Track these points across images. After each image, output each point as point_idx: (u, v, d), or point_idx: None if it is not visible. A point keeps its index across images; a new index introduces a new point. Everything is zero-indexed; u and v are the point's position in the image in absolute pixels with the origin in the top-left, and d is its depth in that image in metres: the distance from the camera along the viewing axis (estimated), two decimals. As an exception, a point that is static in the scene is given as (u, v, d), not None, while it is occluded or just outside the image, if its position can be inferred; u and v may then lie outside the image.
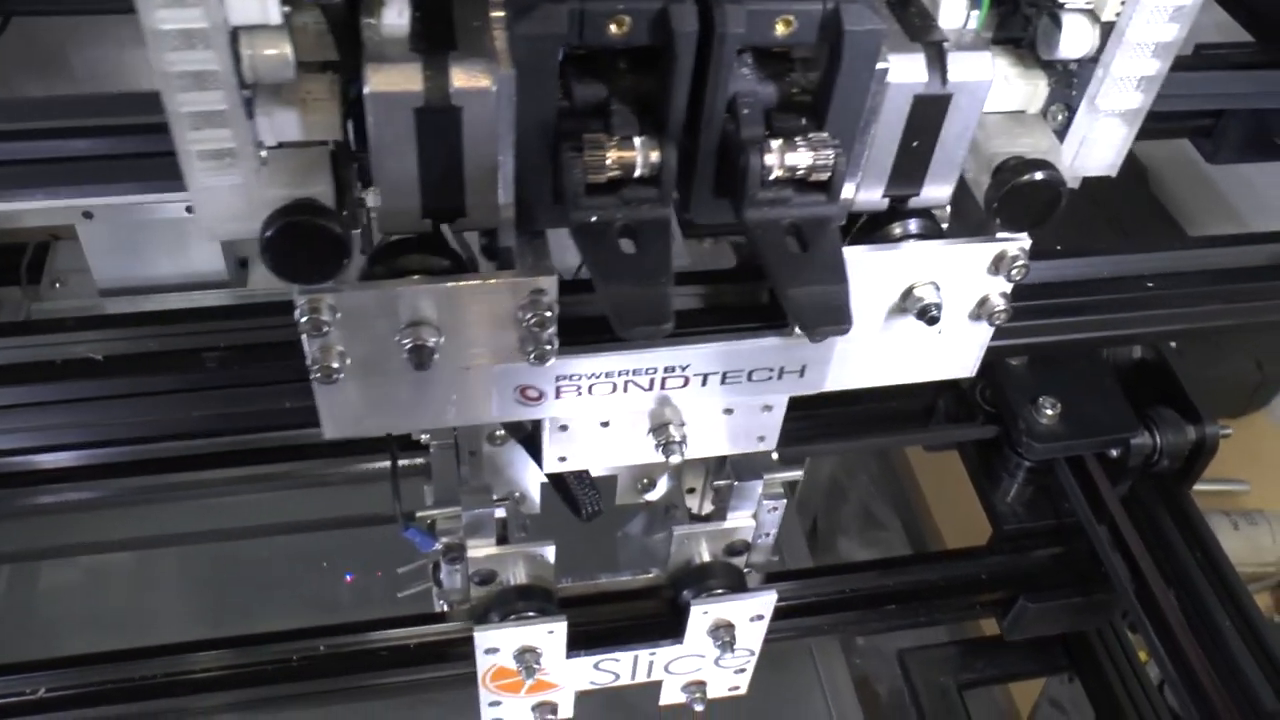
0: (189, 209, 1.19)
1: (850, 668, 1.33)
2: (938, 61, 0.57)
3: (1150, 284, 0.84)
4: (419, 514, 0.78)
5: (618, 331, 0.51)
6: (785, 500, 0.82)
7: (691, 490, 0.91)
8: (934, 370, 0.68)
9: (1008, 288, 0.64)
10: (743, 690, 0.92)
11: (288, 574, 1.43)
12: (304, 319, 0.56)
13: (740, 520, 0.83)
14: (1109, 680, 1.01)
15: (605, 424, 0.67)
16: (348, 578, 1.45)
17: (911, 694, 1.08)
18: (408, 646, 0.94)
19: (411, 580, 0.88)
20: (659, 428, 0.67)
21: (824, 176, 0.55)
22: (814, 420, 1.03)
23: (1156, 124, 0.98)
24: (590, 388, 0.63)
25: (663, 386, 0.64)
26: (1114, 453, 0.99)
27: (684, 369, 0.64)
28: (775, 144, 0.54)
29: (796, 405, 0.98)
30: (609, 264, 0.53)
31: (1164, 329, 0.87)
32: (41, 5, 1.40)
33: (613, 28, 0.52)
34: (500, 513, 0.78)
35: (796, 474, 0.82)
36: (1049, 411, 0.98)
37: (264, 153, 0.53)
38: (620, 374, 0.63)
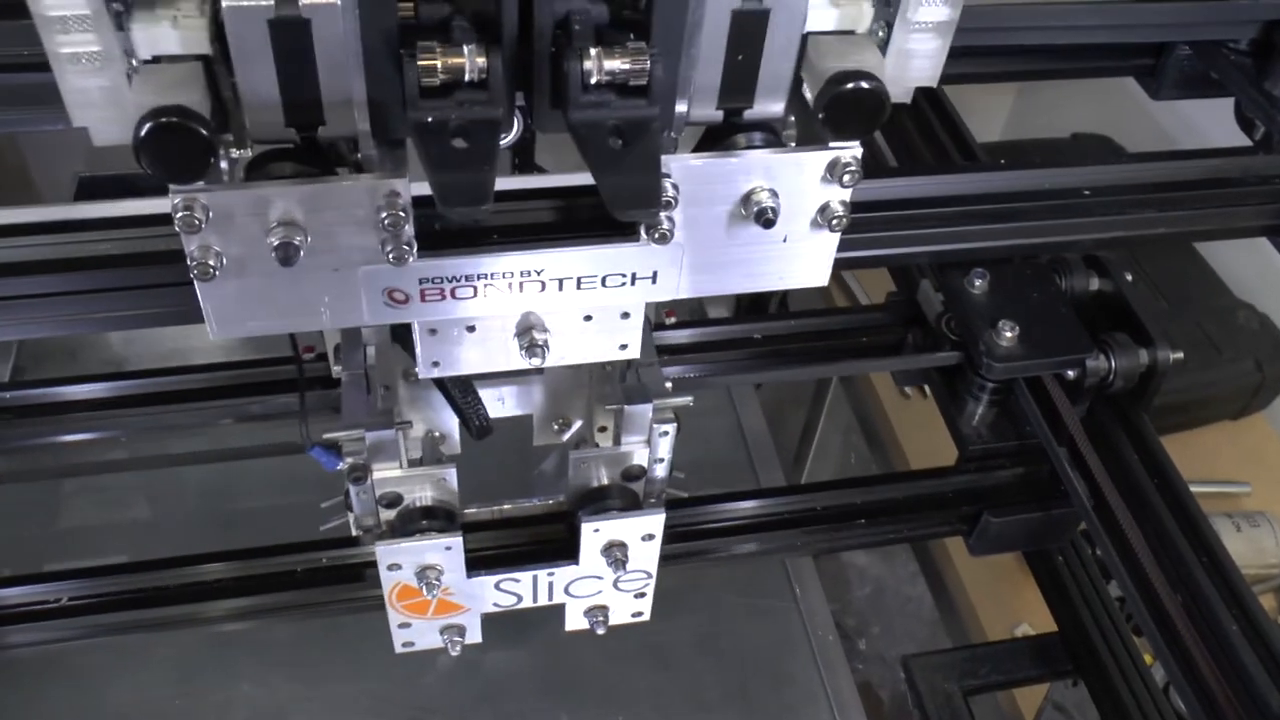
0: None
1: (854, 673, 1.35)
2: (754, -23, 0.61)
3: (1087, 193, 0.88)
4: (325, 435, 0.84)
5: (441, 209, 0.57)
6: (676, 425, 0.86)
7: (604, 429, 0.96)
8: (788, 278, 0.73)
9: (845, 195, 0.68)
10: (645, 617, 0.96)
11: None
12: (179, 216, 0.62)
13: (633, 445, 0.87)
14: (1114, 685, 1.03)
15: (471, 329, 0.72)
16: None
17: (915, 700, 1.11)
18: (325, 566, 1.00)
19: (333, 514, 0.94)
20: (523, 332, 0.72)
21: (642, 81, 0.60)
22: (785, 355, 1.09)
23: (1102, 62, 1.02)
24: (453, 290, 0.69)
25: (521, 290, 0.70)
26: (1071, 374, 1.04)
27: (539, 273, 0.69)
28: (594, 51, 0.59)
29: (769, 340, 1.05)
30: (441, 158, 0.59)
31: (1100, 236, 0.91)
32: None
33: (448, -54, 0.58)
34: (404, 435, 0.83)
35: (685, 400, 0.86)
36: (1008, 334, 1.02)
37: (134, 61, 0.59)
38: (479, 277, 0.69)
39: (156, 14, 0.60)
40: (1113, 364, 1.04)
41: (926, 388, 1.44)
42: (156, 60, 0.61)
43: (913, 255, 1.02)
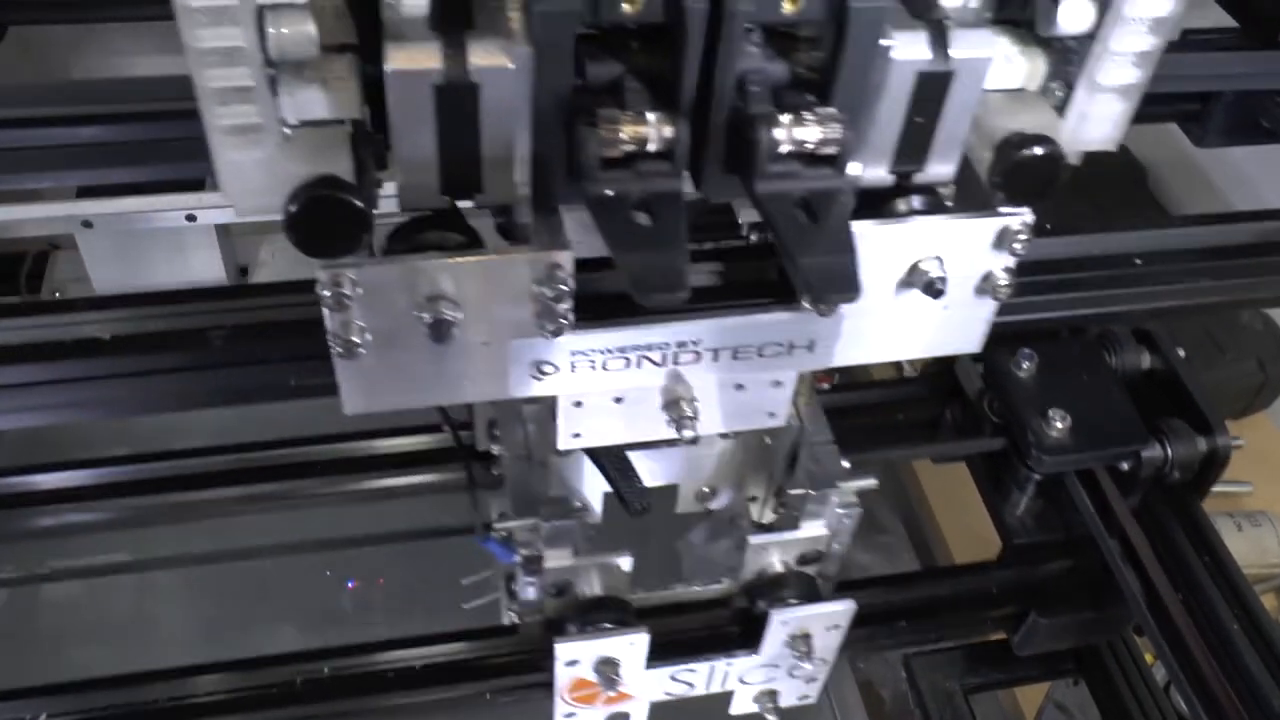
0: (189, 217, 1.21)
1: (855, 672, 1.32)
2: (940, 38, 0.58)
3: (1138, 260, 0.85)
4: (496, 525, 0.79)
5: (637, 298, 0.53)
6: (859, 509, 0.82)
7: (754, 499, 0.92)
8: (940, 345, 0.70)
9: (1011, 262, 0.66)
10: (813, 700, 0.93)
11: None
12: (326, 293, 0.57)
13: (814, 529, 0.83)
14: (1115, 684, 1.01)
15: (619, 400, 0.68)
16: (349, 584, 1.45)
17: (916, 698, 1.08)
18: (484, 659, 0.93)
19: (476, 593, 0.89)
20: (671, 404, 0.68)
21: (832, 150, 0.56)
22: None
23: (1145, 107, 1.00)
24: (604, 363, 0.65)
25: (675, 362, 0.66)
26: (1125, 465, 0.99)
27: (696, 344, 0.65)
28: (785, 118, 0.55)
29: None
30: (625, 235, 0.55)
31: (1152, 305, 0.87)
32: (41, 14, 1.42)
33: (625, 6, 0.54)
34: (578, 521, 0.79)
35: (870, 482, 0.83)
36: (1059, 424, 0.97)
37: (287, 130, 0.55)
38: (634, 349, 0.65)
39: (305, 77, 0.55)
40: (1169, 453, 0.98)
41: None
42: (301, 125, 0.57)
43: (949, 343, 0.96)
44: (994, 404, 1.03)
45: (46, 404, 0.70)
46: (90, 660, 1.05)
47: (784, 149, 0.56)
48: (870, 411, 1.06)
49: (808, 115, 0.56)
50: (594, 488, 0.93)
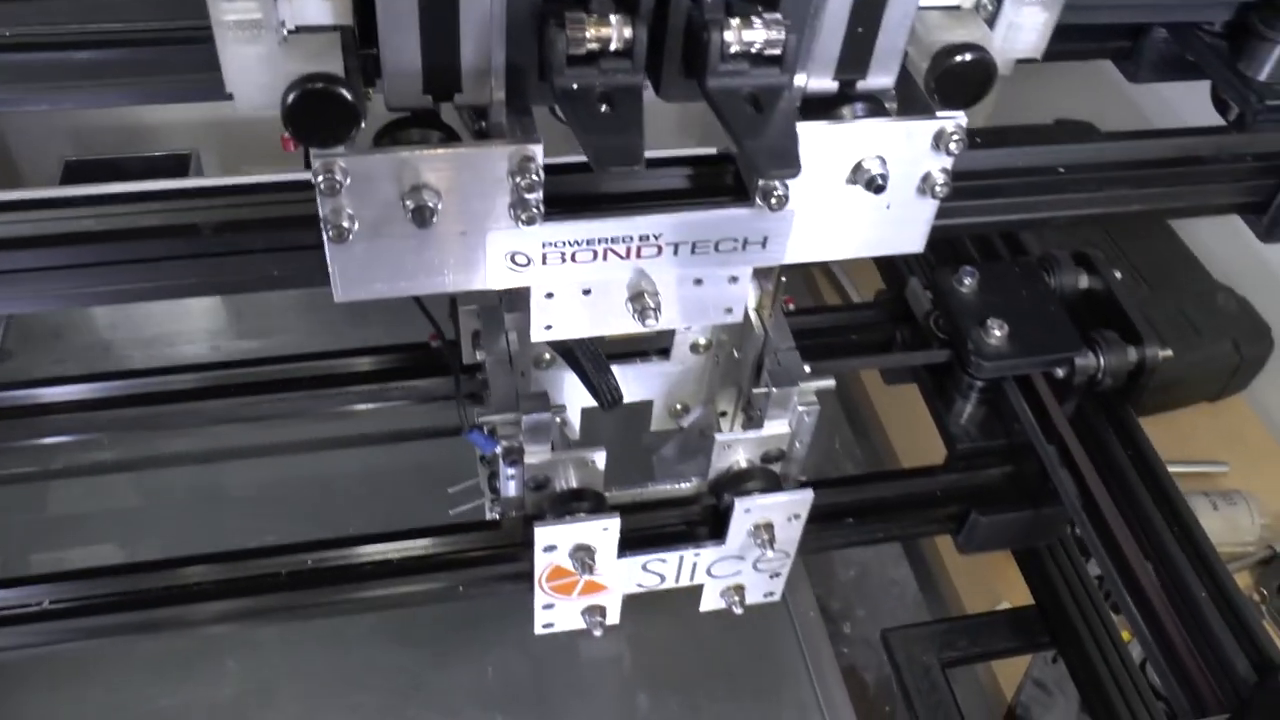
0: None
1: (839, 657, 1.35)
2: (878, -47, 0.64)
3: (1062, 170, 0.90)
4: (480, 419, 0.85)
5: (596, 168, 0.59)
6: (818, 408, 0.88)
7: (723, 414, 0.98)
8: (885, 244, 0.76)
9: (948, 163, 0.72)
10: (777, 597, 0.99)
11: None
12: (320, 179, 0.63)
13: (777, 428, 0.89)
14: (1092, 660, 1.04)
15: (587, 292, 0.74)
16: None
17: (895, 672, 1.11)
18: (310, 569, 0.96)
19: (462, 499, 0.95)
20: (635, 296, 0.74)
21: (776, 51, 0.62)
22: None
23: (1080, 44, 1.05)
24: (573, 255, 0.71)
25: (638, 255, 0.72)
26: (1060, 372, 1.04)
27: (657, 238, 0.71)
28: (734, 21, 0.61)
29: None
30: (588, 121, 0.61)
31: (1075, 213, 0.92)
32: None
33: (591, -83, 0.60)
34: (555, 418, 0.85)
35: (829, 383, 0.89)
36: (997, 333, 1.03)
37: (285, 31, 0.61)
38: (600, 241, 0.71)
39: (303, -18, 0.61)
40: (1102, 362, 1.04)
41: None
42: (297, 31, 0.62)
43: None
44: (939, 321, 1.08)
45: (44, 291, 0.74)
46: (89, 557, 1.11)
47: (733, 49, 0.62)
48: (827, 334, 1.11)
49: (755, 19, 0.62)
50: (573, 403, 0.99)
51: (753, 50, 0.62)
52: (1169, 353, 1.04)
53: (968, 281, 1.06)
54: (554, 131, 0.69)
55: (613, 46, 0.61)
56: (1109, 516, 0.94)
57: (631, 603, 1.25)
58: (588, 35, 0.60)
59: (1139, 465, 1.00)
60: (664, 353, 0.95)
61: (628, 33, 0.61)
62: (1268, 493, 1.57)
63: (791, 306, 0.95)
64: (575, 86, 0.61)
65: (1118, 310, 1.06)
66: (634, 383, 0.95)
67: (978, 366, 1.03)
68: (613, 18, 0.61)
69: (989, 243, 1.17)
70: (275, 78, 0.61)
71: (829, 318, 1.15)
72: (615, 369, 0.88)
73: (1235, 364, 1.69)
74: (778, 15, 0.62)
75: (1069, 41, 1.03)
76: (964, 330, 1.04)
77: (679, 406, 0.98)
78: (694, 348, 0.95)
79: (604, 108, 0.62)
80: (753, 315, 0.89)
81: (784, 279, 0.89)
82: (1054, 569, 1.11)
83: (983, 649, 1.12)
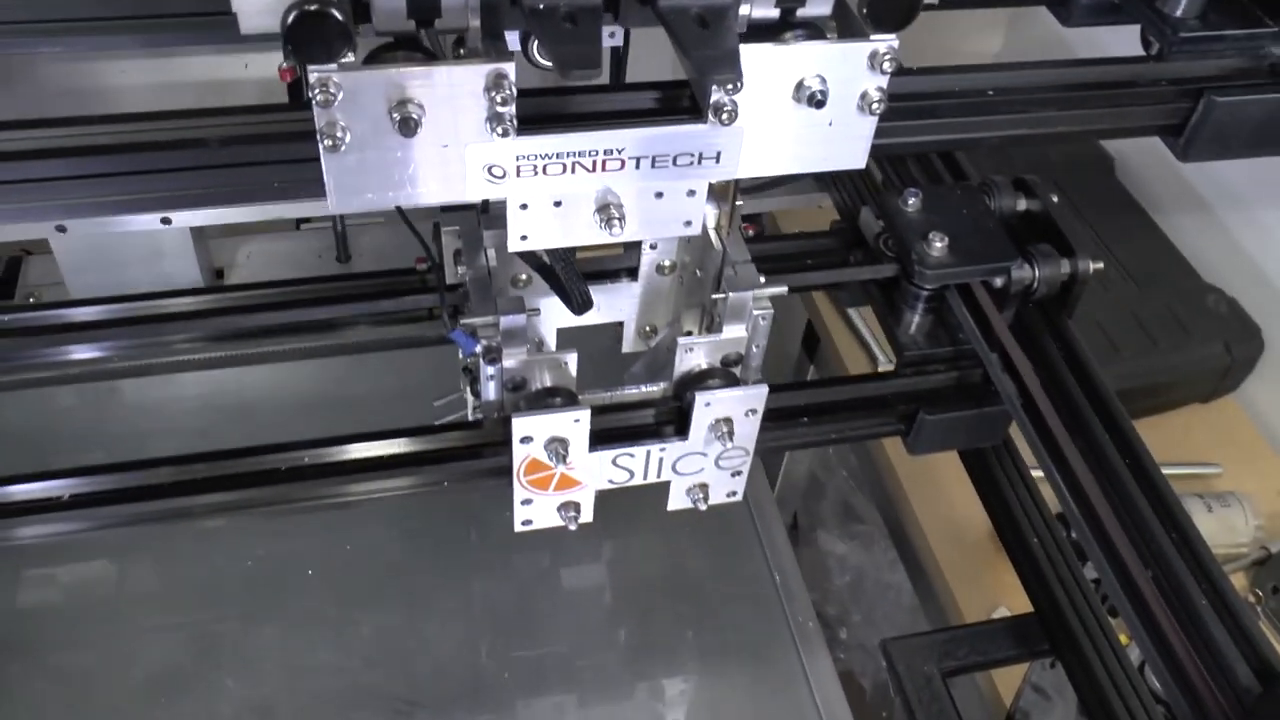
0: (164, 220, 1.20)
1: (835, 663, 1.37)
2: (810, -114, 0.72)
3: (991, 92, 0.97)
4: (462, 320, 0.93)
5: (560, 73, 0.67)
6: (772, 312, 0.97)
7: (689, 333, 1.06)
8: (829, 160, 0.83)
9: (883, 82, 0.79)
10: (739, 497, 1.06)
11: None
12: (316, 92, 0.71)
13: (735, 331, 0.97)
14: (1091, 666, 1.07)
15: (558, 204, 0.82)
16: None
17: (895, 683, 1.12)
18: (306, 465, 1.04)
19: (445, 411, 1.03)
20: (602, 208, 0.82)
21: (716, -27, 0.70)
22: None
23: None
24: (544, 167, 0.79)
25: (604, 169, 0.80)
26: (998, 281, 1.12)
27: (620, 151, 0.79)
28: (679, -51, 0.69)
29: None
30: (555, 35, 0.69)
31: (1004, 133, 0.99)
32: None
33: None
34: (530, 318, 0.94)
35: (781, 289, 0.97)
36: (938, 244, 1.11)
37: (284, -42, 0.68)
38: (568, 154, 0.78)
39: (302, -82, 0.69)
40: (1036, 272, 1.11)
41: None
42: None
43: None
44: (888, 242, 1.16)
45: (54, 201, 0.81)
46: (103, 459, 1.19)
47: (680, -27, 0.70)
48: (785, 259, 1.17)
49: (697, -55, 0.70)
50: (549, 325, 1.07)
51: (696, -28, 0.70)
52: (1100, 265, 1.11)
53: (912, 202, 1.14)
54: (528, 72, 0.77)
55: (574, -28, 0.69)
56: (1046, 415, 1.01)
57: (632, 609, 1.33)
58: (552, -42, 0.68)
59: (1074, 368, 1.07)
60: (632, 274, 1.03)
61: (586, -45, 0.69)
62: (1261, 493, 1.58)
63: (750, 232, 1.02)
64: (542, 6, 0.69)
65: (1054, 229, 1.13)
66: (605, 305, 1.03)
67: (921, 275, 1.11)
68: (573, -56, 0.69)
69: (936, 175, 1.26)
70: (276, 2, 0.69)
71: (787, 244, 1.22)
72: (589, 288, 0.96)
73: (1226, 365, 1.69)
74: (718, -58, 0.70)
75: None
76: (909, 245, 1.12)
77: (648, 328, 1.06)
78: (660, 269, 1.02)
79: (568, 25, 0.70)
80: (712, 234, 0.97)
81: (740, 203, 0.97)
82: (1047, 566, 1.13)
83: (983, 658, 1.14)
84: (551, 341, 1.06)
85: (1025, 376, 1.03)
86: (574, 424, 0.93)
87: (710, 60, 0.69)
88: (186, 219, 1.28)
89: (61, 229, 1.26)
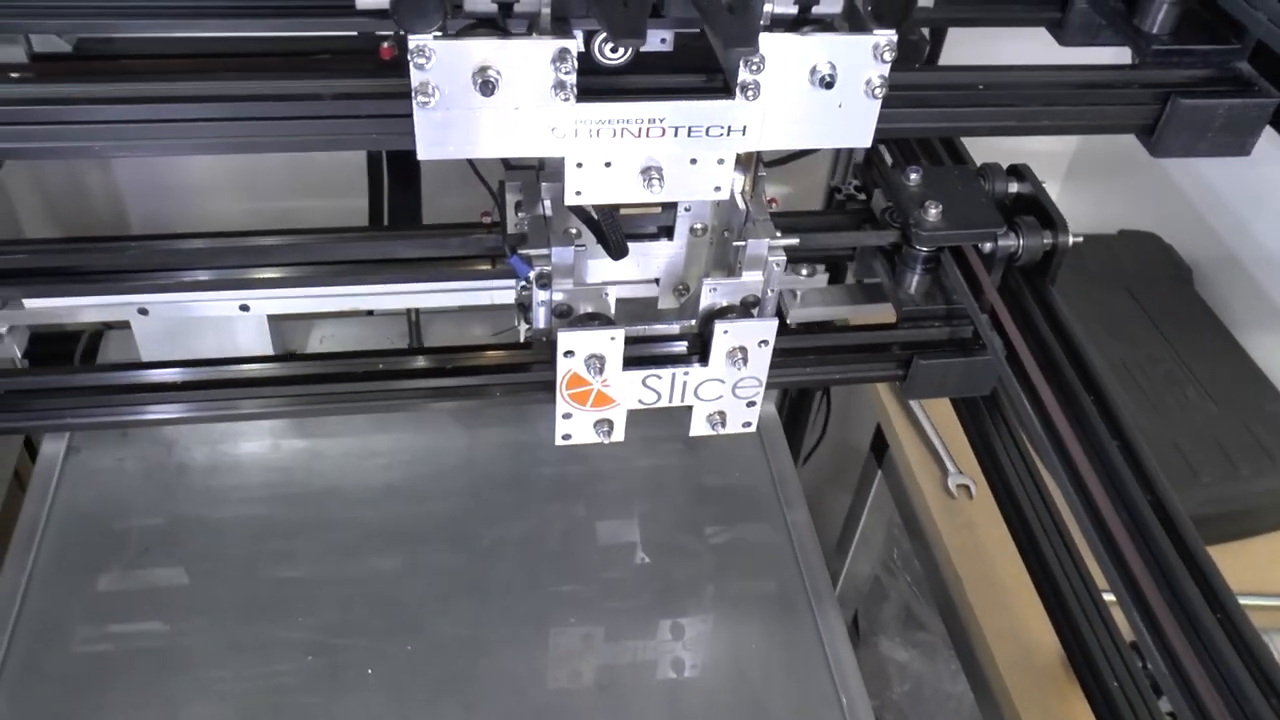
0: (243, 307, 1.37)
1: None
2: (826, -100, 0.88)
3: (981, 86, 1.11)
4: (521, 250, 1.09)
5: (611, 37, 0.82)
6: (784, 258, 1.12)
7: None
8: (841, 137, 0.98)
9: (885, 70, 0.94)
10: (753, 428, 1.20)
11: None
12: (414, 53, 0.86)
13: (752, 275, 1.13)
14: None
15: (608, 164, 0.97)
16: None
17: None
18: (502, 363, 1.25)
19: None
20: (645, 170, 0.97)
21: (749, -29, 0.86)
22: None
23: (1015, 13, 1.26)
24: (598, 131, 0.94)
25: (648, 135, 0.95)
26: (987, 247, 1.26)
27: (661, 121, 0.95)
28: (713, -53, 0.85)
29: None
30: (609, 9, 0.84)
31: (995, 124, 1.13)
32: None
33: None
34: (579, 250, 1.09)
35: (794, 240, 1.13)
36: (933, 211, 1.26)
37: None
38: (619, 121, 0.94)
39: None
40: (1021, 241, 1.26)
41: (971, 488, 1.67)
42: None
43: None
44: (892, 214, 1.32)
45: (204, 136, 0.97)
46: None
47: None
48: (800, 230, 1.27)
49: (733, -56, 0.85)
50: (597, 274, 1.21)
51: (730, -35, 0.86)
52: (1079, 239, 1.25)
53: (913, 177, 1.30)
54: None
55: (629, -40, 0.85)
56: (1029, 369, 1.14)
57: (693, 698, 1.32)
58: (606, -51, 0.84)
59: (1053, 325, 1.21)
60: (669, 234, 1.17)
61: (638, -52, 0.84)
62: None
63: (775, 205, 1.17)
64: (603, -6, 0.85)
65: (1040, 207, 1.28)
66: (644, 263, 1.19)
67: (918, 237, 1.26)
68: (626, -66, 0.84)
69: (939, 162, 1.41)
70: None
71: (806, 220, 1.39)
72: (631, 246, 1.12)
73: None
74: (752, -61, 0.86)
75: (1010, 10, 1.27)
76: (908, 212, 1.27)
77: (681, 286, 1.21)
78: (693, 230, 1.17)
79: (622, 6, 0.85)
80: (738, 198, 1.12)
81: (763, 174, 1.13)
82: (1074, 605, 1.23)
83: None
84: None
85: (1010, 332, 1.18)
86: (610, 341, 1.08)
87: (733, 36, 0.84)
88: (264, 307, 1.38)
89: (143, 311, 1.37)
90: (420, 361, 1.22)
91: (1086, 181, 2.17)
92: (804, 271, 1.37)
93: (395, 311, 1.71)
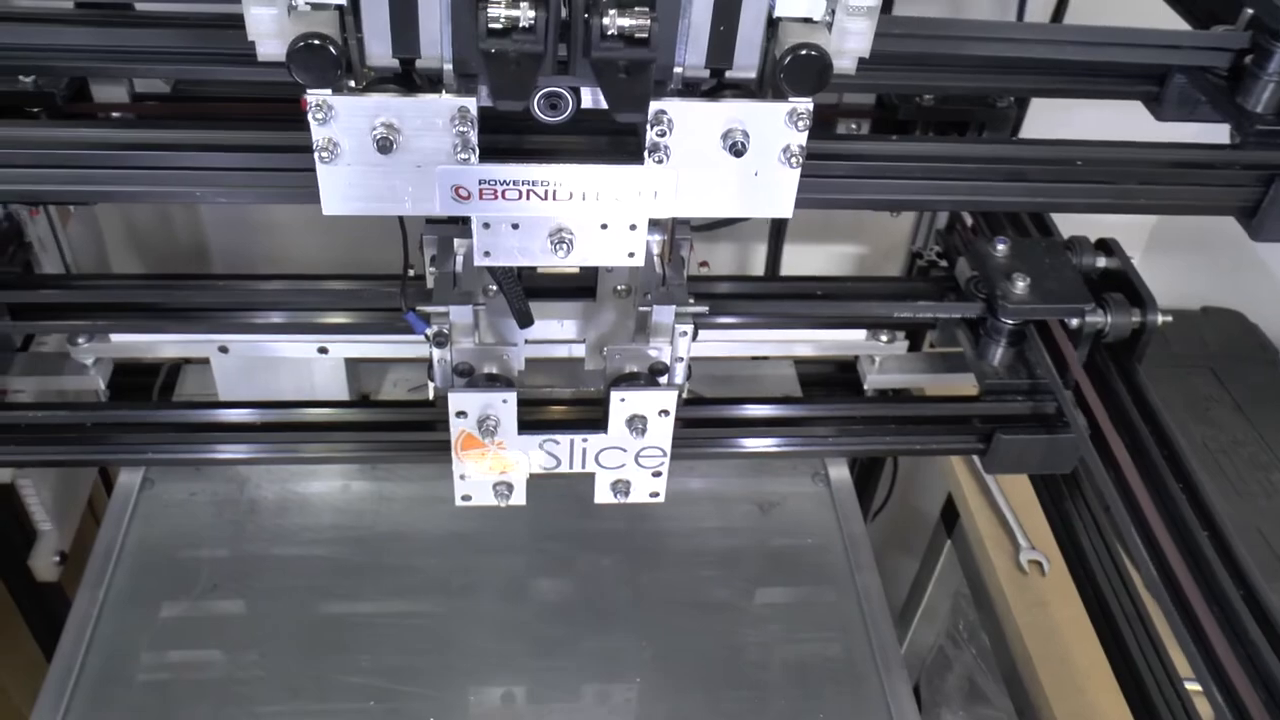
0: (321, 349, 1.44)
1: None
2: (731, -35, 0.85)
3: (1079, 162, 1.08)
4: (419, 307, 1.09)
5: (494, 101, 0.81)
6: (693, 327, 1.09)
7: None
8: (759, 207, 0.94)
9: (801, 139, 0.90)
10: (661, 499, 1.16)
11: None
12: (314, 109, 0.87)
13: (659, 342, 1.10)
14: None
15: (516, 226, 0.96)
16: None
17: None
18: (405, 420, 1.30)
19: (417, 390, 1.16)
20: (554, 233, 0.96)
21: (644, 35, 0.83)
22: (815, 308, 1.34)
23: (1115, 86, 1.21)
24: (503, 192, 0.93)
25: (554, 198, 0.93)
26: (1074, 322, 1.24)
27: (567, 184, 0.93)
28: (612, 11, 0.83)
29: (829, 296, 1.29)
30: (498, 75, 0.83)
31: (1089, 200, 1.11)
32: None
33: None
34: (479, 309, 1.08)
35: (702, 309, 1.10)
36: (1020, 284, 1.24)
37: (294, 3, 0.85)
38: (524, 183, 0.92)
39: (312, -30, 0.86)
40: (1109, 318, 1.24)
41: (1044, 564, 1.64)
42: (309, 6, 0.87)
43: (933, 203, 1.30)
44: (977, 284, 1.30)
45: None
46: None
47: (610, 31, 0.83)
48: (883, 297, 1.34)
49: (627, 10, 0.83)
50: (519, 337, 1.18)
51: (625, 33, 0.83)
52: (1169, 318, 1.22)
53: (1000, 248, 1.28)
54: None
55: (522, 24, 0.83)
56: (1114, 448, 1.11)
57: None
58: (502, 14, 0.83)
59: (1140, 406, 1.18)
60: (591, 294, 1.15)
61: (531, 14, 0.83)
62: None
63: (705, 269, 1.14)
64: (494, 50, 0.84)
65: (1129, 284, 1.25)
66: (568, 323, 1.17)
67: (1004, 310, 1.24)
68: (522, 3, 0.83)
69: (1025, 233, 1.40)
70: (284, 34, 0.85)
71: (888, 286, 1.40)
72: (551, 304, 1.12)
73: None
74: (645, 8, 0.83)
75: (1104, 82, 1.22)
76: (994, 283, 1.25)
77: (604, 349, 1.18)
78: (615, 292, 1.15)
79: (513, 67, 0.84)
80: (655, 261, 1.09)
81: (686, 237, 1.11)
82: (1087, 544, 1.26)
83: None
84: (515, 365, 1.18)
85: (1095, 410, 1.15)
86: (503, 404, 1.06)
87: (622, 100, 0.82)
88: (342, 350, 1.44)
89: (224, 349, 1.44)
90: (310, 416, 1.26)
91: (1169, 254, 2.12)
92: (884, 338, 1.38)
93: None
